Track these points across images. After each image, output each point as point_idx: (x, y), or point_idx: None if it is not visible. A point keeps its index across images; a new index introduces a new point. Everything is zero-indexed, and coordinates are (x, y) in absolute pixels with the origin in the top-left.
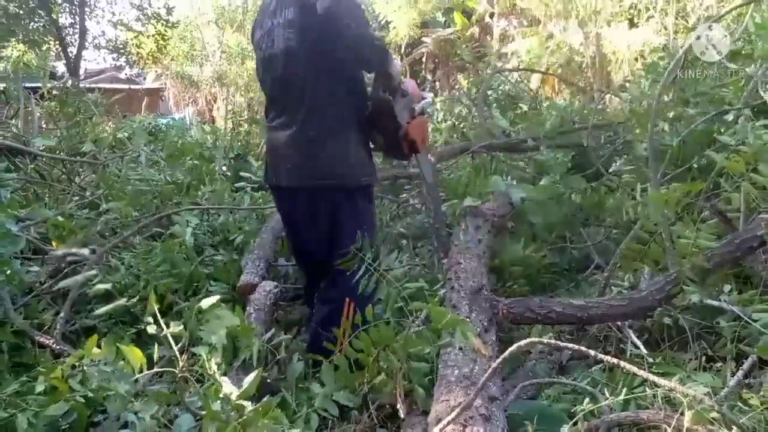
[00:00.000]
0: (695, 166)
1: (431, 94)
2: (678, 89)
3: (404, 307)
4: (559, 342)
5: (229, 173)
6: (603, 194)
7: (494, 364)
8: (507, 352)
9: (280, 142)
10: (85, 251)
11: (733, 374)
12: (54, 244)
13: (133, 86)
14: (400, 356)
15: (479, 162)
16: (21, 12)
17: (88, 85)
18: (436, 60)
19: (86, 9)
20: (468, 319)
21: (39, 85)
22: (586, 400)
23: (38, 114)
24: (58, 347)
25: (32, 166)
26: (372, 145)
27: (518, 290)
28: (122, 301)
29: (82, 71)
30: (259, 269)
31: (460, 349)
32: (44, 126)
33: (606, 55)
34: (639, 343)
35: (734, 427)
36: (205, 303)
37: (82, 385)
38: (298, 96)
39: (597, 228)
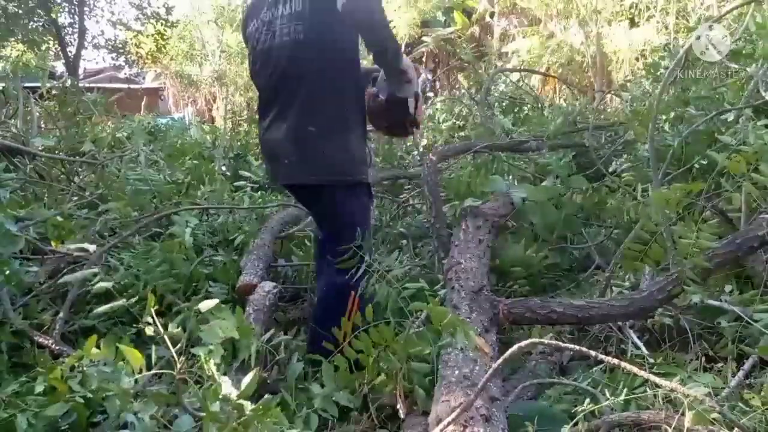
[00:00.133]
0: (696, 166)
1: (426, 71)
2: (679, 89)
3: (404, 308)
4: (559, 342)
5: (228, 173)
6: (604, 194)
7: (495, 365)
8: (508, 353)
9: (276, 138)
10: (92, 247)
11: (734, 375)
12: (53, 244)
13: (132, 86)
14: (400, 357)
15: (480, 162)
16: (20, 12)
17: (87, 85)
18: (437, 59)
19: (85, 8)
20: (468, 320)
21: (38, 84)
22: (587, 400)
23: (37, 114)
24: (57, 347)
25: (31, 165)
26: (372, 127)
27: (519, 290)
28: (122, 301)
29: (81, 71)
30: (258, 269)
31: (461, 349)
32: (43, 126)
33: (607, 54)
34: (640, 343)
35: (735, 428)
36: (205, 305)
37: (81, 385)
38: (296, 90)
39: (598, 228)
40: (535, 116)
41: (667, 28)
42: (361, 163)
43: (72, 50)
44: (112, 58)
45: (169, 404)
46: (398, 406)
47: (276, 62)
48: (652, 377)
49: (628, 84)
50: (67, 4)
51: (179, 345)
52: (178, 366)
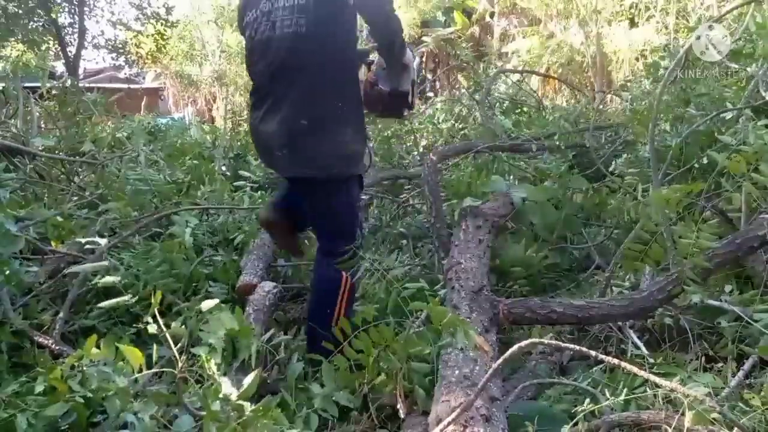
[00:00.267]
0: (696, 166)
1: (417, 53)
2: (679, 89)
3: (404, 307)
4: (559, 342)
5: (228, 173)
6: (604, 194)
7: (495, 365)
8: (508, 353)
9: (272, 129)
10: (103, 240)
11: (734, 375)
12: (53, 244)
13: (132, 86)
14: (400, 357)
15: (480, 162)
16: (20, 11)
17: (87, 85)
18: (437, 59)
19: (85, 8)
20: (468, 320)
21: (38, 84)
22: (587, 400)
23: (37, 114)
24: (57, 347)
25: (31, 165)
26: (366, 110)
27: (519, 290)
28: (128, 297)
29: (81, 71)
30: (258, 269)
31: (461, 349)
32: (43, 126)
33: (607, 54)
34: (640, 343)
35: (735, 428)
36: (205, 305)
37: (81, 385)
38: (295, 82)
39: (598, 228)
40: (535, 117)
41: (667, 28)
42: (355, 158)
43: (72, 50)
44: (112, 58)
45: (169, 404)
46: (398, 406)
47: (276, 53)
48: (652, 377)
49: (628, 84)
50: (67, 4)
51: (180, 344)
52: (179, 365)
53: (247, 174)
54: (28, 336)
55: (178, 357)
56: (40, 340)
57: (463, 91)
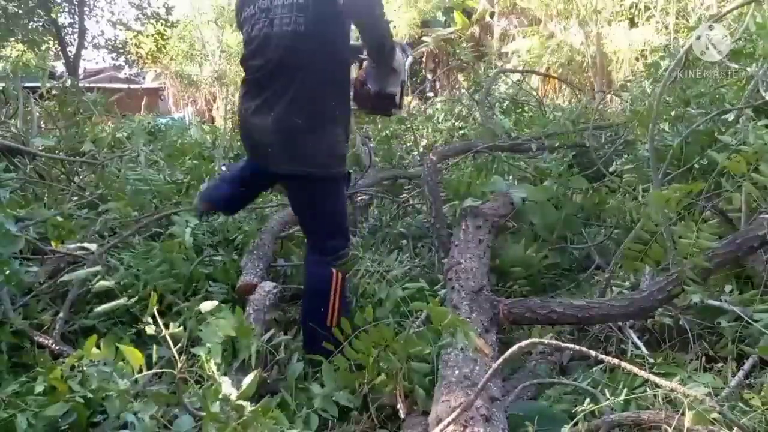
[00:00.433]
0: (696, 166)
1: (410, 51)
2: (679, 89)
3: (404, 307)
4: (559, 342)
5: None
6: (604, 194)
7: (495, 365)
8: (508, 353)
9: (262, 124)
10: (93, 246)
11: (734, 375)
12: (53, 244)
13: (132, 86)
14: (400, 357)
15: (480, 162)
16: (20, 11)
17: (87, 85)
18: (437, 59)
19: (85, 8)
20: (468, 320)
21: (38, 84)
22: (587, 400)
23: (37, 114)
24: (57, 347)
25: (31, 165)
26: (355, 106)
27: (519, 290)
28: (123, 300)
29: (81, 71)
30: (258, 269)
31: (461, 349)
32: (43, 126)
33: (607, 54)
34: (640, 343)
35: (735, 428)
36: (205, 305)
37: (81, 385)
38: (291, 80)
39: (598, 228)
40: (535, 117)
41: (667, 28)
42: (341, 158)
43: (72, 50)
44: (112, 58)
45: (169, 404)
46: (398, 406)
47: (274, 51)
48: (652, 377)
49: (628, 84)
50: (67, 4)
51: (180, 344)
52: (179, 366)
53: None
54: (28, 336)
55: (177, 357)
56: (40, 340)
57: (463, 91)
